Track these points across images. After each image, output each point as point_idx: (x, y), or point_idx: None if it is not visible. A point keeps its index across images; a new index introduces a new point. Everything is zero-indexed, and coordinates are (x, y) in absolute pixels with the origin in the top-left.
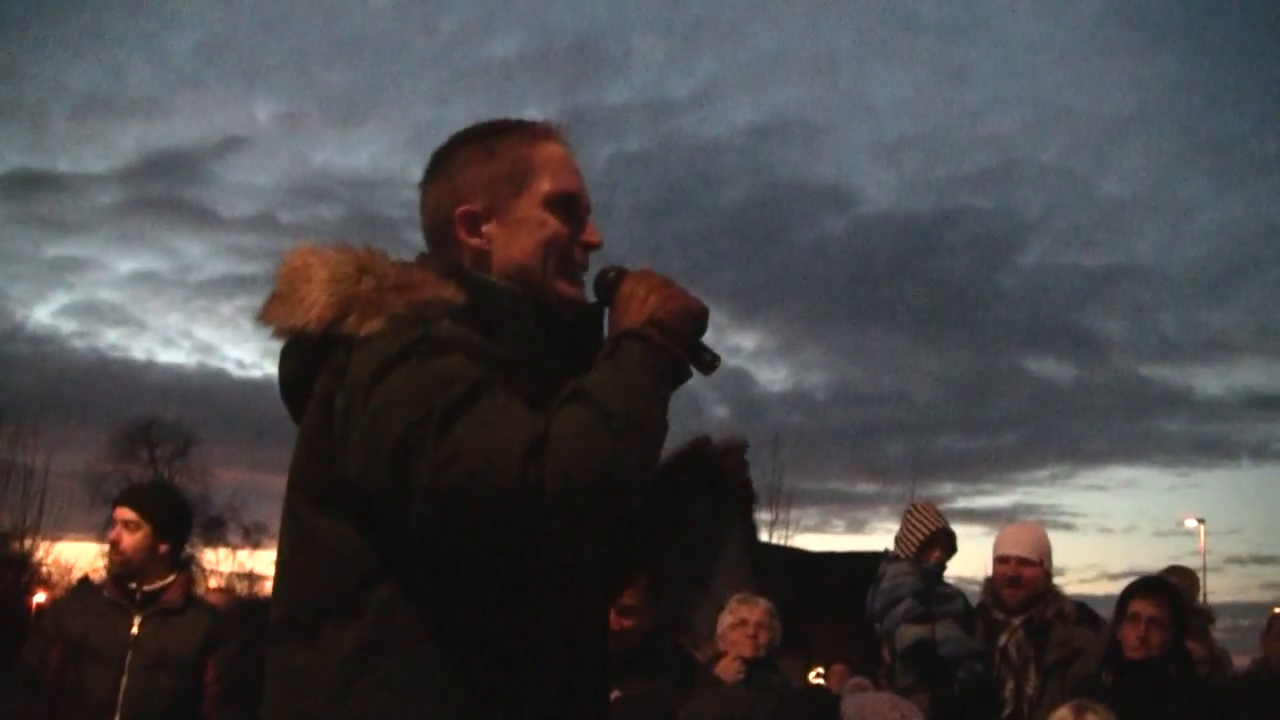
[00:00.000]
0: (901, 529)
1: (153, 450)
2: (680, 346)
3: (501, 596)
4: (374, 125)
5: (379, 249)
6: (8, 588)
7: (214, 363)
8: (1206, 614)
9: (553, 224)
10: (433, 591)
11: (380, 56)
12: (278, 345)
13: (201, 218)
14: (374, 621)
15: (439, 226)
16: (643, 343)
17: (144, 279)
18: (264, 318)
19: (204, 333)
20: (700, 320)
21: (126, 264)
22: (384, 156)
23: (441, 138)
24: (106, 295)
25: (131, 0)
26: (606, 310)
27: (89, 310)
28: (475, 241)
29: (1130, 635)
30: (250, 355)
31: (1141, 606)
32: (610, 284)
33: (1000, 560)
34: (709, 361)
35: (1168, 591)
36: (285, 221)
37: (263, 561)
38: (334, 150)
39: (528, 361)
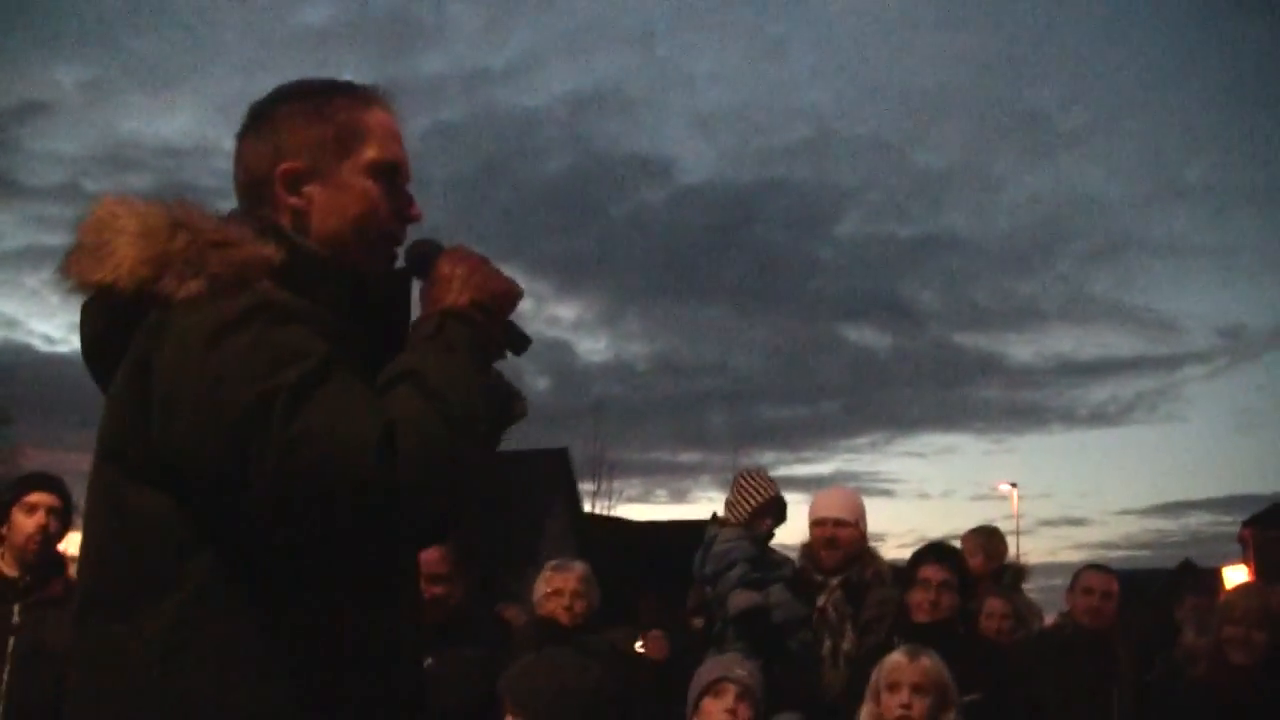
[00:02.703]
0: (732, 495)
1: None
2: (499, 329)
3: (320, 569)
4: (183, 93)
5: (192, 201)
6: None
7: (19, 337)
8: (1018, 571)
9: (374, 193)
10: (251, 564)
11: (189, 23)
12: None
13: (1, 186)
14: (191, 595)
15: (256, 182)
16: (468, 325)
17: None
18: (66, 271)
19: (7, 306)
20: (516, 302)
21: None
22: (194, 125)
23: None
24: None
25: None
26: (415, 281)
27: None
28: (294, 201)
29: (920, 599)
30: (58, 330)
31: (931, 572)
32: (425, 257)
33: (817, 523)
34: (522, 343)
35: (954, 556)
36: (91, 190)
37: (75, 543)
38: (142, 118)
39: (341, 329)
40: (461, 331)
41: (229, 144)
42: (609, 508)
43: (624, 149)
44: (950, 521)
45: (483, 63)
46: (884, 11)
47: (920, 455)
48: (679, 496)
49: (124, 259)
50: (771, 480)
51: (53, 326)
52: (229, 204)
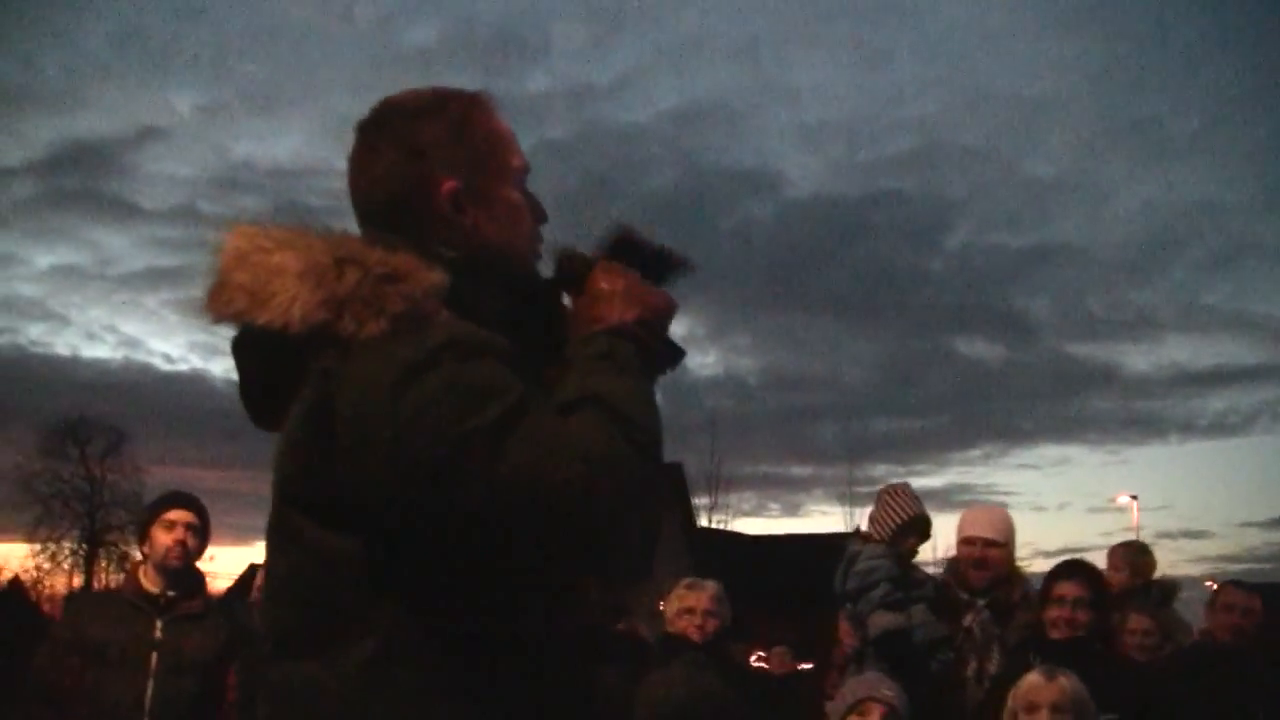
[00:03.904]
0: (876, 511)
1: (83, 447)
2: (660, 345)
3: (506, 600)
4: (294, 115)
5: (346, 231)
6: None
7: (140, 357)
8: (1167, 587)
9: (525, 201)
10: (441, 600)
11: (299, 45)
12: (208, 338)
13: (121, 210)
14: (386, 634)
15: (405, 199)
16: (635, 344)
17: (64, 273)
18: (216, 308)
19: (129, 327)
20: (673, 317)
21: (45, 258)
22: (305, 146)
23: None
24: (26, 290)
25: None
26: (560, 291)
27: (8, 306)
28: (462, 220)
29: (1056, 616)
30: (177, 349)
31: (1067, 589)
32: (578, 270)
33: (966, 541)
34: (677, 357)
35: (1090, 572)
36: (207, 212)
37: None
38: (255, 140)
39: (517, 349)
40: (631, 351)
41: (340, 163)
42: (725, 522)
43: (730, 163)
44: (1067, 534)
45: (588, 79)
46: (990, 20)
47: (1035, 467)
48: (792, 510)
49: (293, 300)
50: (917, 497)
51: (172, 346)
52: (339, 222)
